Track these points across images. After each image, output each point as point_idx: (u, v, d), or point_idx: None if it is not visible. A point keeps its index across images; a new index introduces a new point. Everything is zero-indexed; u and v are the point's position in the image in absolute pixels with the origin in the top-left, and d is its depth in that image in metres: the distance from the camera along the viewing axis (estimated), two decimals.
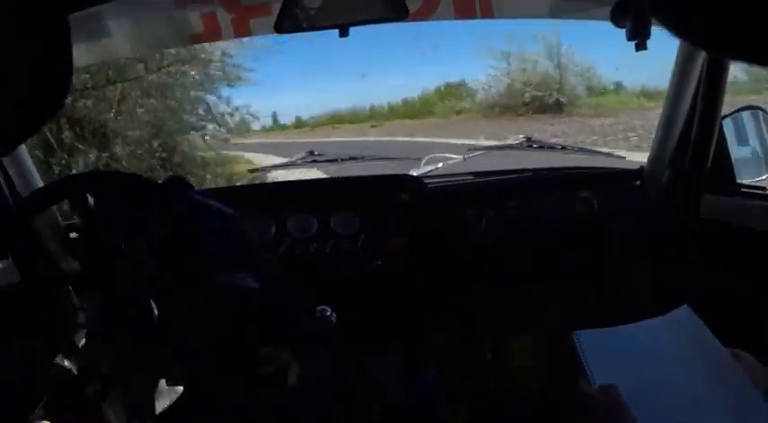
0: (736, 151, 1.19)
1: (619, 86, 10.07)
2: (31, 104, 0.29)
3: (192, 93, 4.85)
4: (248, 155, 6.68)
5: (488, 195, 1.31)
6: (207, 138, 4.72)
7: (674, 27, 0.26)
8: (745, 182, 1.17)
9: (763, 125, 1.22)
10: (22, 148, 1.11)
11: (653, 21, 0.80)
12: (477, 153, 1.61)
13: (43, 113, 0.31)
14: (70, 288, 0.82)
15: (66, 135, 4.02)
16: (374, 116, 11.94)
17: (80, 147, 4.04)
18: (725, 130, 1.18)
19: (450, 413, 1.21)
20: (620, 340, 0.70)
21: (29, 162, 1.12)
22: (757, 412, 0.57)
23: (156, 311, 0.88)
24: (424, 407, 1.22)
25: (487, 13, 1.24)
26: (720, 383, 0.61)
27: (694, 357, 0.64)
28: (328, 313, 1.13)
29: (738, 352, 0.62)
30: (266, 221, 1.22)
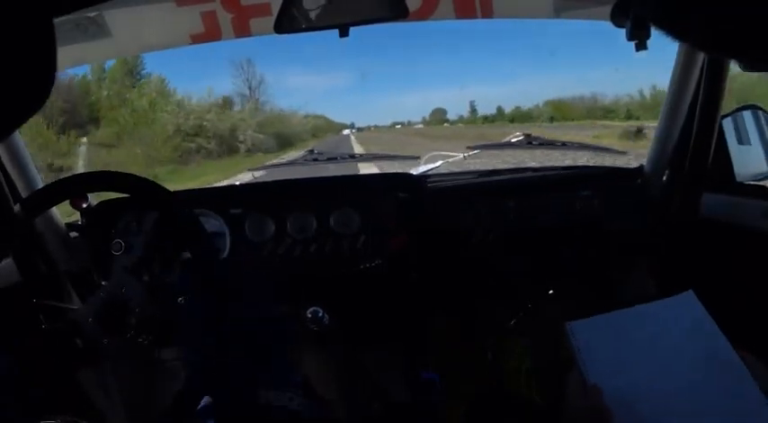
0: (736, 150, 1.19)
1: None
2: (12, 104, 0.30)
3: None
4: None
5: (488, 194, 1.31)
6: None
7: (673, 30, 0.26)
8: (744, 181, 1.17)
9: (763, 124, 1.22)
10: (23, 149, 1.11)
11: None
12: (477, 151, 1.61)
13: (24, 112, 0.31)
14: (70, 287, 0.83)
15: None
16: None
17: None
18: (725, 129, 1.18)
19: (450, 411, 1.22)
20: (616, 326, 0.67)
21: (29, 162, 1.12)
22: (758, 412, 0.55)
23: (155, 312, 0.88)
24: (424, 403, 1.22)
25: (487, 12, 1.24)
26: (720, 377, 0.59)
27: (693, 346, 0.62)
28: (320, 314, 1.14)
29: (739, 351, 0.61)
30: (266, 221, 1.22)
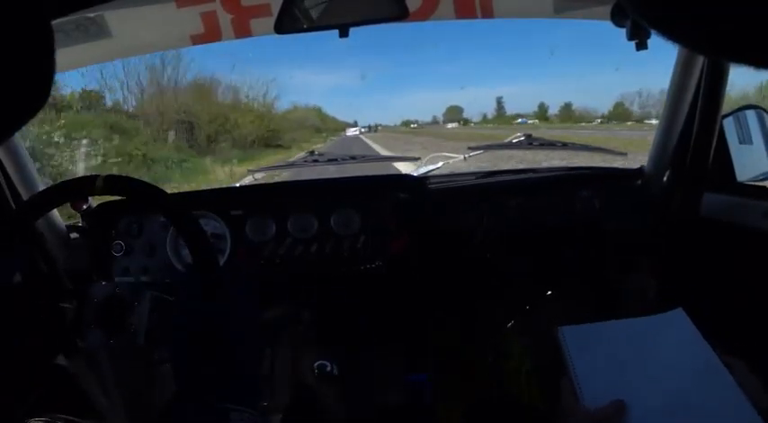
0: (737, 150, 1.19)
1: None
2: (12, 106, 0.30)
3: None
4: None
5: (489, 195, 1.31)
6: None
7: (670, 33, 0.26)
8: (745, 181, 1.17)
9: (765, 124, 1.22)
10: (22, 150, 1.11)
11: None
12: (478, 152, 1.61)
13: (24, 114, 0.31)
14: (70, 288, 0.83)
15: None
16: None
17: None
18: (726, 129, 1.18)
19: (449, 412, 1.21)
20: (607, 337, 0.67)
21: (29, 163, 1.12)
22: None
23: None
24: (416, 405, 1.22)
25: (488, 12, 1.24)
26: (708, 391, 0.59)
27: (683, 361, 0.63)
28: (328, 368, 1.15)
29: (731, 360, 0.61)
30: (267, 221, 1.22)
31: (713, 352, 0.62)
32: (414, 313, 1.33)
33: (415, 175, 1.45)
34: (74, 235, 1.24)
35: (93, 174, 0.77)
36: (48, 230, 1.16)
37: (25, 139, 1.22)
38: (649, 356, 0.64)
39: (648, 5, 0.26)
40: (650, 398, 0.60)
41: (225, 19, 1.21)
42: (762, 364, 0.63)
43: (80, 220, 1.24)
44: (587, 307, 1.34)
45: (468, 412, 1.16)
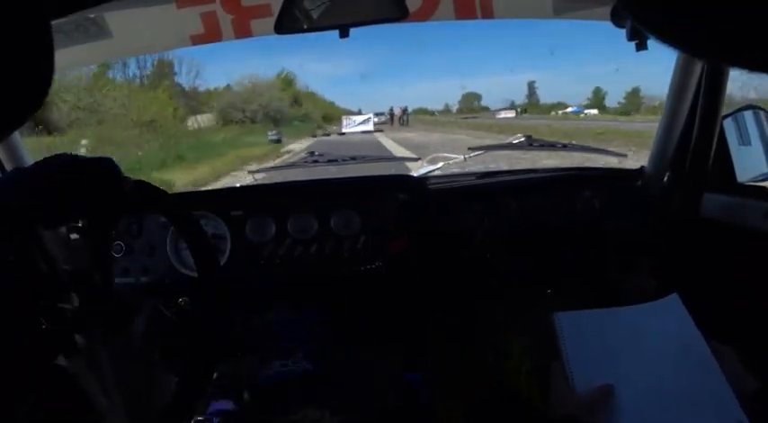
0: (737, 151, 1.19)
1: None
2: (11, 105, 0.30)
3: None
4: None
5: (489, 195, 1.31)
6: None
7: (670, 37, 0.26)
8: (745, 182, 1.17)
9: (764, 125, 1.22)
10: (22, 149, 1.11)
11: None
12: (478, 153, 1.61)
13: (23, 113, 0.31)
14: (70, 288, 0.83)
15: None
16: None
17: None
18: (726, 129, 1.18)
19: (449, 412, 1.21)
20: (602, 324, 0.69)
21: (29, 162, 1.12)
22: (726, 410, 0.57)
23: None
24: (412, 407, 1.22)
25: (488, 13, 1.24)
26: (692, 375, 0.61)
27: (673, 347, 0.64)
28: None
29: (719, 347, 0.62)
30: (266, 222, 1.22)
31: (701, 337, 0.63)
32: (413, 313, 1.33)
33: (415, 175, 1.45)
34: (74, 235, 1.24)
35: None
36: (47, 230, 1.16)
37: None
38: (641, 342, 0.66)
39: (647, 9, 0.26)
40: (637, 382, 0.62)
41: (225, 19, 1.21)
42: (759, 357, 0.64)
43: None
44: (587, 307, 1.34)
45: (468, 412, 1.15)
